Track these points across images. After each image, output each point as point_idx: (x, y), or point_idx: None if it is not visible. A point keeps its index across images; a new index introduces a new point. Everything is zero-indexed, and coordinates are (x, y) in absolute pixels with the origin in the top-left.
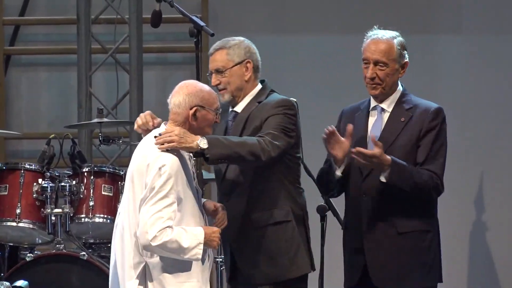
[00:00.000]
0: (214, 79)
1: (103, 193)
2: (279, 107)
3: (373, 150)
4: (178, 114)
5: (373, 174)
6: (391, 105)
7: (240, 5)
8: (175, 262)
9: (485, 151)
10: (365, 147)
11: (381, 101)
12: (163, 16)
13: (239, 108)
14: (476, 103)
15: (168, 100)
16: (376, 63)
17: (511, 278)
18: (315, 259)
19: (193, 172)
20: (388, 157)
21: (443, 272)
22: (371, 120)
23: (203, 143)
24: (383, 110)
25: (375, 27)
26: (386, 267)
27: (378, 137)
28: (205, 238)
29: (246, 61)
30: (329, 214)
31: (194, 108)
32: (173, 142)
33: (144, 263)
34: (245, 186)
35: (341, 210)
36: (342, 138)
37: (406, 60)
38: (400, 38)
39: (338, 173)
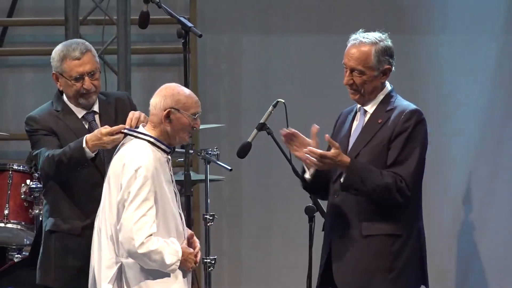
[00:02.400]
0: (89, 83)
1: None
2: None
3: (330, 151)
4: (154, 115)
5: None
6: (373, 107)
7: (227, 6)
8: None
9: (473, 152)
10: (347, 148)
11: (363, 104)
12: (151, 17)
13: (97, 107)
14: (464, 104)
15: (150, 101)
16: (352, 70)
17: (499, 277)
18: (304, 260)
19: (171, 175)
20: (348, 158)
21: (430, 271)
22: (355, 122)
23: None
24: (365, 111)
25: (361, 30)
26: (349, 270)
27: (355, 138)
28: (182, 256)
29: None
30: (317, 215)
31: (167, 110)
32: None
33: (120, 264)
34: None
35: None
36: (308, 140)
37: (387, 66)
38: (383, 43)
39: (307, 176)
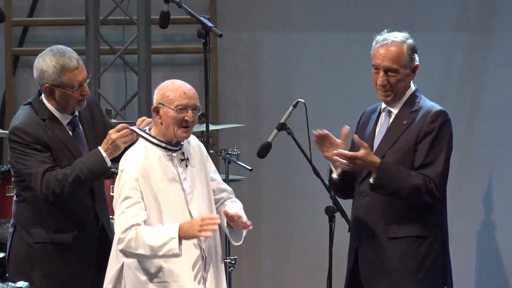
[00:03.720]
0: (87, 88)
1: (110, 194)
2: None
3: (359, 151)
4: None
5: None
6: (398, 107)
7: (247, 6)
8: (153, 263)
9: (494, 151)
10: (371, 150)
11: (389, 104)
12: (171, 17)
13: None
14: (485, 102)
15: None
16: (386, 70)
17: None
18: (324, 260)
19: (178, 173)
20: (378, 158)
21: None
22: (380, 122)
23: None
24: (390, 112)
25: (385, 30)
26: (376, 272)
27: (380, 140)
28: (181, 230)
29: None
30: (337, 215)
31: (154, 106)
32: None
33: (121, 264)
34: None
35: (349, 211)
36: (338, 140)
37: (416, 63)
38: (410, 41)
39: (335, 175)
